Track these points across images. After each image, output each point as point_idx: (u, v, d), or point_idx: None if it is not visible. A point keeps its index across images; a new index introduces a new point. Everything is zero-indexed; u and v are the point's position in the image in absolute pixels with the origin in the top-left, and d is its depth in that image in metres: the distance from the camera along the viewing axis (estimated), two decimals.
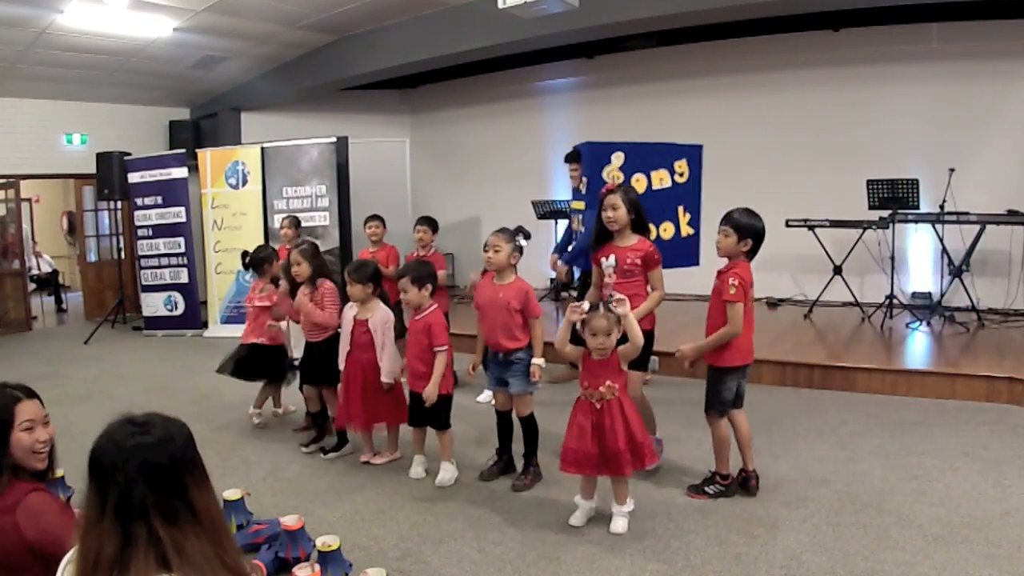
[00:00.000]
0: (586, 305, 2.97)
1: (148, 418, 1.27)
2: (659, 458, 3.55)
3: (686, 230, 5.55)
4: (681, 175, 5.67)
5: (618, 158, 5.50)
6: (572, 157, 5.40)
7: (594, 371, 2.96)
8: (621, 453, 2.90)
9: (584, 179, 5.17)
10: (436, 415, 3.59)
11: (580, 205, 4.99)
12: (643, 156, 5.66)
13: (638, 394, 3.52)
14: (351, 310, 3.90)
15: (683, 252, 5.49)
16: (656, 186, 5.59)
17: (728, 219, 3.20)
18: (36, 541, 1.66)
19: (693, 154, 5.73)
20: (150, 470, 1.19)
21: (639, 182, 5.47)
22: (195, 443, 1.30)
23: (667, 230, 5.45)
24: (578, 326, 2.98)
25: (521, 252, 3.50)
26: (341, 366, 3.92)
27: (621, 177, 5.27)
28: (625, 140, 5.53)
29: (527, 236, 3.60)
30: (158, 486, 1.19)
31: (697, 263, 5.37)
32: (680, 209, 5.69)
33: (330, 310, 4.03)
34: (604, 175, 5.23)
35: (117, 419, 1.27)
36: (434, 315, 3.58)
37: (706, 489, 3.29)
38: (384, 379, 3.72)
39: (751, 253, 3.20)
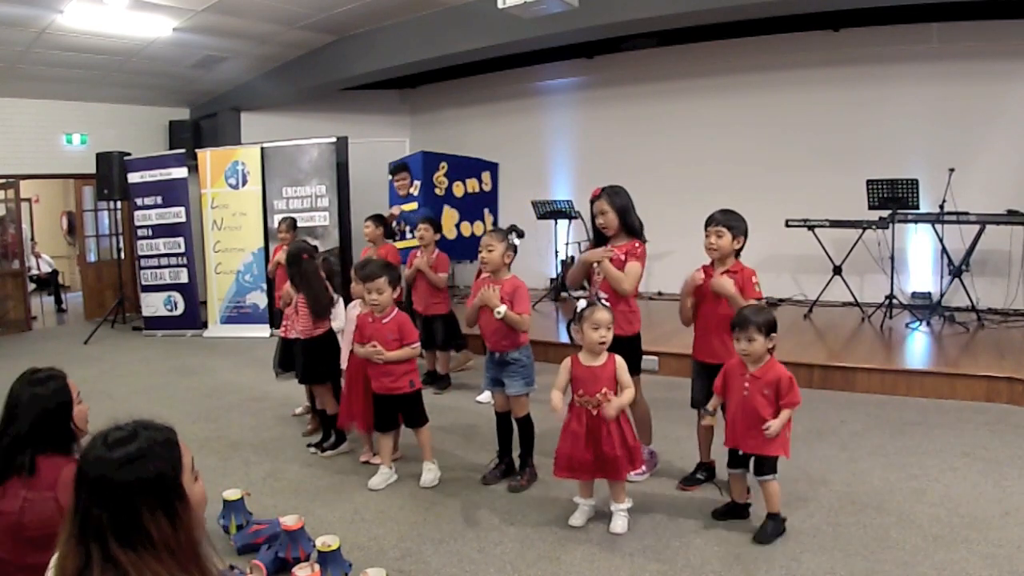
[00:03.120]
0: (583, 303, 2.98)
1: (130, 431, 1.18)
2: (653, 470, 3.58)
3: (481, 229, 7.06)
4: (486, 184, 7.42)
5: (443, 167, 6.96)
6: (399, 168, 6.31)
7: (590, 378, 2.95)
8: (618, 458, 2.92)
9: (416, 183, 6.43)
10: (411, 412, 3.60)
11: (413, 206, 6.26)
12: (461, 167, 7.18)
13: (641, 399, 3.52)
14: (354, 309, 3.92)
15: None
16: (470, 191, 7.33)
17: (718, 220, 3.22)
18: None
19: (494, 168, 7.51)
20: (104, 490, 1.12)
21: (458, 187, 7.14)
22: (176, 464, 1.20)
23: (478, 228, 6.97)
24: (573, 328, 3.01)
25: (515, 251, 3.51)
26: (344, 366, 3.93)
27: (446, 183, 6.91)
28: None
29: (520, 235, 3.61)
30: (112, 508, 1.11)
31: None
32: (486, 211, 7.43)
33: (300, 318, 4.06)
34: (434, 179, 6.75)
35: (105, 427, 1.20)
36: (401, 315, 3.59)
37: (698, 476, 3.44)
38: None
39: (739, 251, 3.26)
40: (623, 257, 3.37)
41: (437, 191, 7.01)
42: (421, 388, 3.66)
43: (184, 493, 1.19)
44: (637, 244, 3.39)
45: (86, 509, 1.12)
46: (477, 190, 7.57)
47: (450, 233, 5.75)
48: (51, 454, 1.86)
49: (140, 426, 1.20)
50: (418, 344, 3.61)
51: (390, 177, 6.69)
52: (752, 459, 2.97)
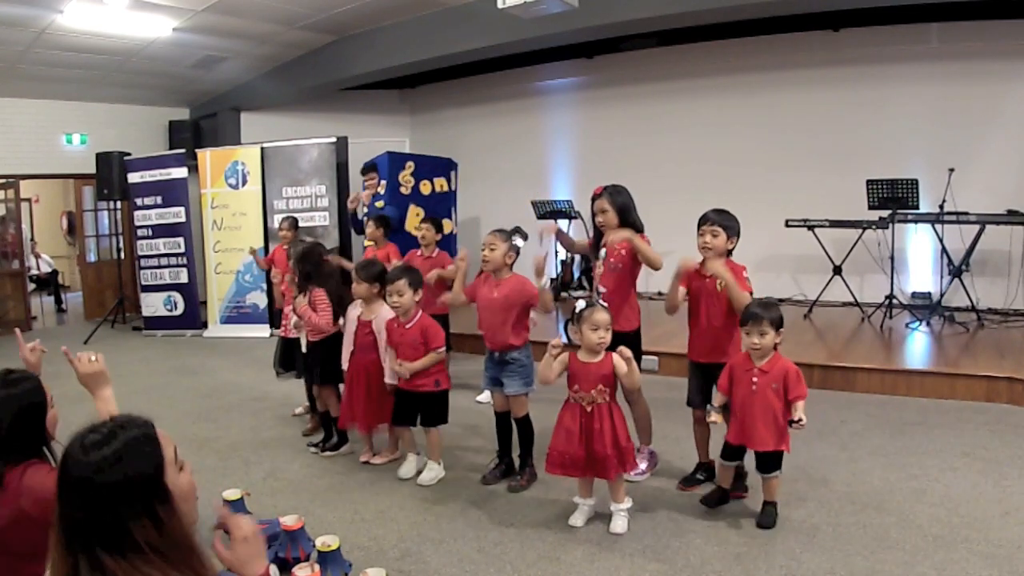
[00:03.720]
0: (581, 303, 2.98)
1: (108, 431, 1.14)
2: (653, 470, 3.58)
3: (450, 227, 7.37)
4: (453, 183, 7.79)
5: (409, 166, 7.27)
6: (369, 168, 6.49)
7: (586, 375, 2.96)
8: (608, 457, 2.92)
9: (383, 182, 6.70)
10: (430, 411, 3.60)
11: (380, 204, 6.45)
12: (429, 166, 7.53)
13: (641, 399, 3.52)
14: (355, 310, 3.91)
15: (454, 245, 7.30)
16: (438, 190, 7.65)
17: (713, 220, 3.22)
18: (38, 514, 1.61)
19: (456, 168, 7.91)
20: (86, 495, 1.09)
21: (425, 185, 7.46)
22: (158, 462, 1.17)
23: (447, 225, 6.99)
24: (571, 329, 3.01)
25: (517, 252, 3.51)
26: (345, 366, 3.92)
27: (412, 181, 7.18)
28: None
29: (524, 237, 3.61)
30: (94, 513, 1.09)
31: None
32: (452, 209, 7.78)
33: (324, 314, 4.01)
34: (400, 179, 7.06)
35: (81, 429, 1.16)
36: (425, 318, 3.59)
37: (698, 476, 3.44)
38: (388, 380, 3.73)
39: (731, 251, 3.27)
40: (624, 254, 3.38)
41: (403, 190, 7.25)
42: (448, 389, 3.62)
43: (167, 494, 1.16)
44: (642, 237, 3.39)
45: (70, 515, 1.10)
46: (446, 189, 7.84)
47: (418, 230, 5.86)
48: (17, 462, 1.76)
49: (117, 426, 1.16)
50: (443, 348, 3.57)
51: (362, 177, 6.83)
52: (753, 454, 3.00)
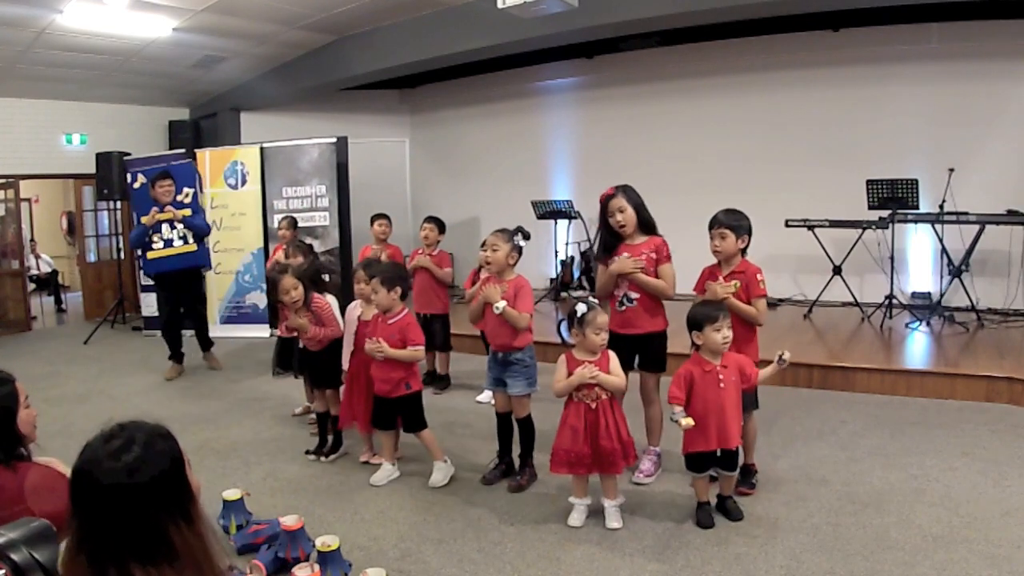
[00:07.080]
0: (583, 307, 2.98)
1: (129, 434, 1.13)
2: (658, 470, 3.56)
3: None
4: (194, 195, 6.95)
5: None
6: (163, 175, 6.23)
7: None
8: (615, 451, 2.95)
9: (188, 190, 6.49)
10: (408, 416, 3.59)
11: (187, 212, 6.13)
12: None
13: (656, 399, 3.52)
14: (355, 310, 3.90)
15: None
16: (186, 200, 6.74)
17: (721, 222, 3.23)
18: (56, 515, 1.64)
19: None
20: (119, 503, 1.07)
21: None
22: (181, 463, 1.16)
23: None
24: (572, 332, 3.01)
25: (520, 252, 3.50)
26: (345, 366, 3.92)
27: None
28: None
29: (526, 236, 3.58)
30: (128, 522, 1.07)
31: None
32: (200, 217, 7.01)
33: (331, 325, 3.98)
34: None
35: (96, 436, 1.14)
36: (408, 317, 3.56)
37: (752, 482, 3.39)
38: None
39: (745, 250, 3.27)
40: (653, 256, 3.35)
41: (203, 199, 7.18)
42: (419, 391, 3.60)
43: (193, 493, 1.17)
44: (662, 243, 3.37)
45: (98, 526, 1.08)
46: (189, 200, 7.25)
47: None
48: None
49: (131, 428, 1.15)
50: (420, 348, 3.55)
51: (145, 180, 6.56)
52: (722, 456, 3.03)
